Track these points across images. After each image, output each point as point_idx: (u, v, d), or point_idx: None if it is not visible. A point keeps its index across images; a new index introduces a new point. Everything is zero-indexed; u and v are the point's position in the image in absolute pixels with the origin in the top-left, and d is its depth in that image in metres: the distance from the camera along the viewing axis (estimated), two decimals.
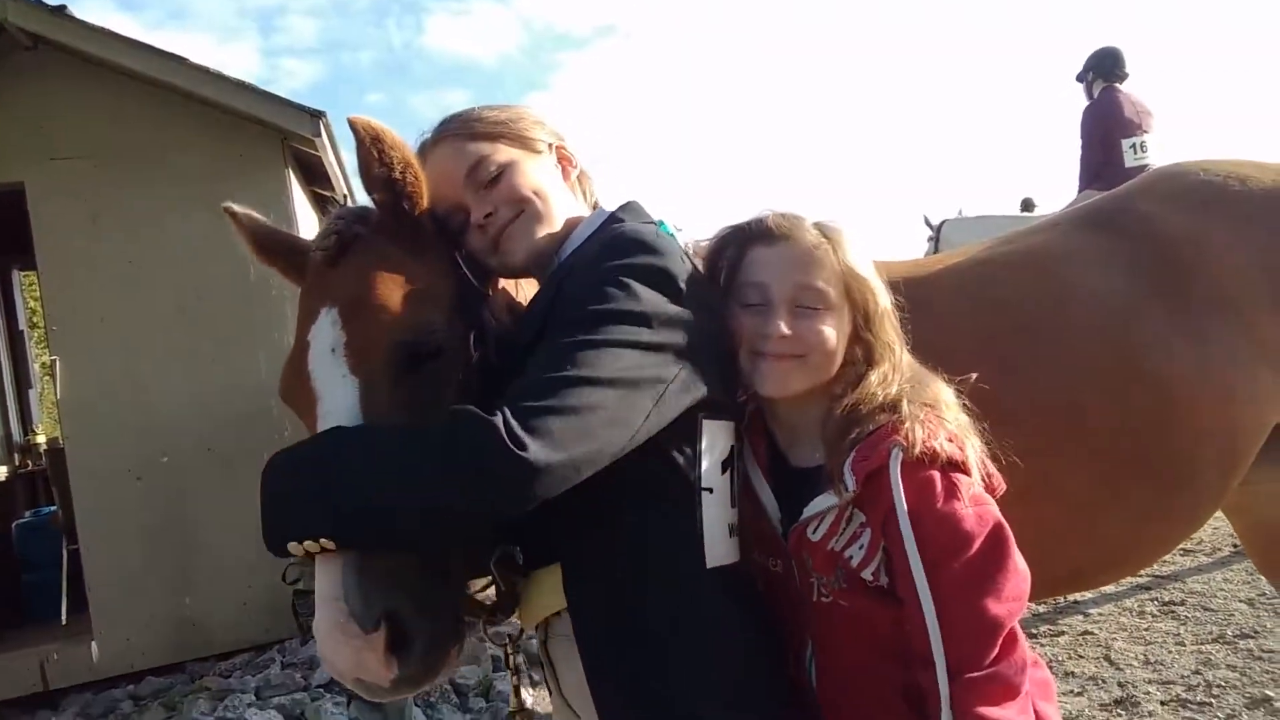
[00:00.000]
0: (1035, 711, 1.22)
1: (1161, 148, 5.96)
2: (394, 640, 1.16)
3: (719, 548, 1.27)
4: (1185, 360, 1.80)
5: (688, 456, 1.25)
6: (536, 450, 1.06)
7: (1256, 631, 3.94)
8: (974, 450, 1.25)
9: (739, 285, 1.35)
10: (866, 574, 1.23)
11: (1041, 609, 4.55)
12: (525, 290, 1.55)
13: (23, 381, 8.16)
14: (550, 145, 1.48)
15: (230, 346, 5.44)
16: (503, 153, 1.41)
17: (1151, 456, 1.81)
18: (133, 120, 5.44)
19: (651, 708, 1.21)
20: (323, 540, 1.12)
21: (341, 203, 6.36)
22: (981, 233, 4.77)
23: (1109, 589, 4.55)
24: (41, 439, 7.88)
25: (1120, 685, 3.63)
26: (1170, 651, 3.88)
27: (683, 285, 1.24)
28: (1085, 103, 6.34)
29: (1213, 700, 3.38)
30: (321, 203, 6.97)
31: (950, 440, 1.23)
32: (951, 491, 1.20)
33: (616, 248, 1.27)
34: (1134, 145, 5.90)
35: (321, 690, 4.40)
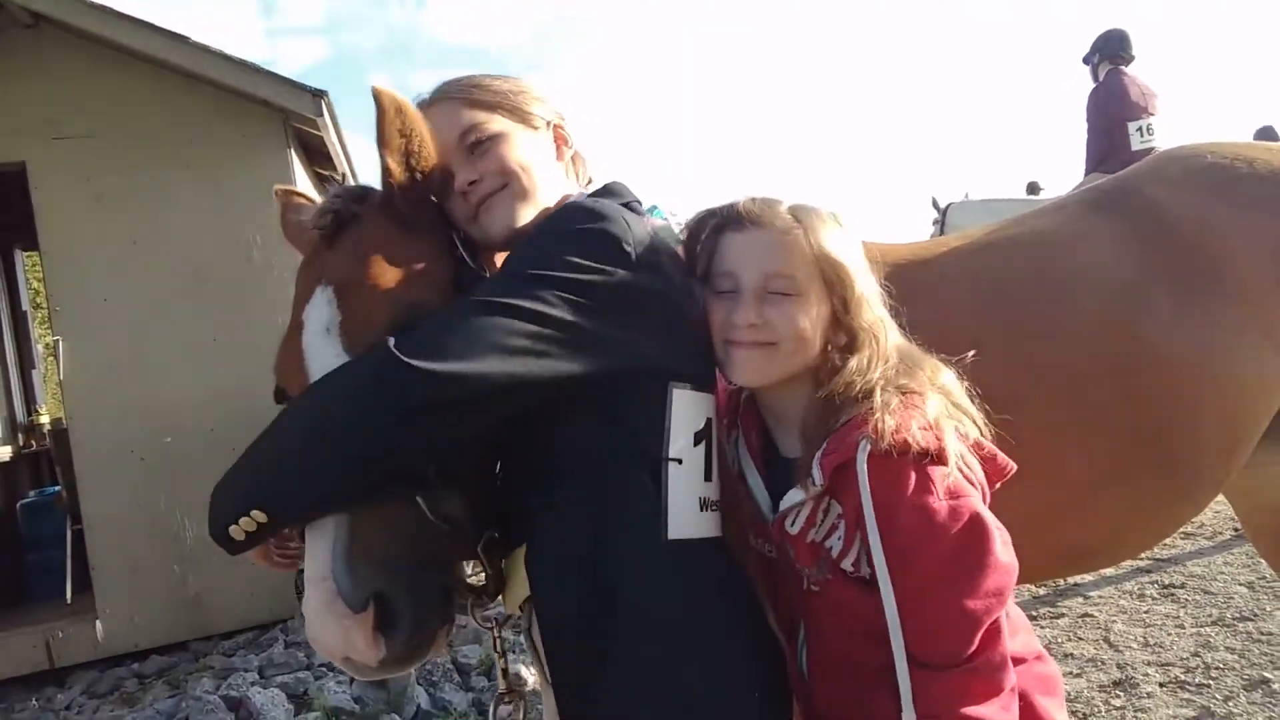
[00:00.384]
0: (1035, 707, 1.21)
1: (1167, 130, 5.93)
2: (381, 620, 1.17)
3: (685, 520, 1.24)
4: (1190, 343, 1.80)
5: (651, 425, 1.23)
6: (424, 358, 1.08)
7: (1255, 614, 3.95)
8: (953, 439, 1.21)
9: (713, 274, 1.33)
10: (846, 564, 1.22)
11: (1041, 591, 4.57)
12: None
13: (26, 362, 8.18)
14: (548, 123, 1.48)
15: (233, 327, 5.44)
16: (497, 123, 1.41)
17: (1154, 439, 1.81)
18: (135, 100, 5.42)
19: (595, 677, 1.20)
20: (254, 513, 1.15)
21: (341, 180, 6.34)
22: (987, 216, 4.76)
23: (1109, 571, 4.57)
24: (45, 419, 7.90)
25: (1119, 667, 3.64)
26: (1169, 634, 3.90)
27: (629, 250, 1.22)
28: (1091, 86, 6.31)
29: (1211, 682, 3.40)
30: (323, 182, 6.96)
31: (926, 429, 1.19)
32: (923, 484, 1.16)
33: (559, 215, 1.30)
34: (1140, 128, 5.87)
35: (324, 669, 4.43)
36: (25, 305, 8.45)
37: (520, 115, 1.44)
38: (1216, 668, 3.51)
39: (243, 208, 5.43)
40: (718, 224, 1.34)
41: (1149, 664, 3.64)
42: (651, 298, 1.23)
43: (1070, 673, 3.65)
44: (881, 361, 1.26)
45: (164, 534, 5.36)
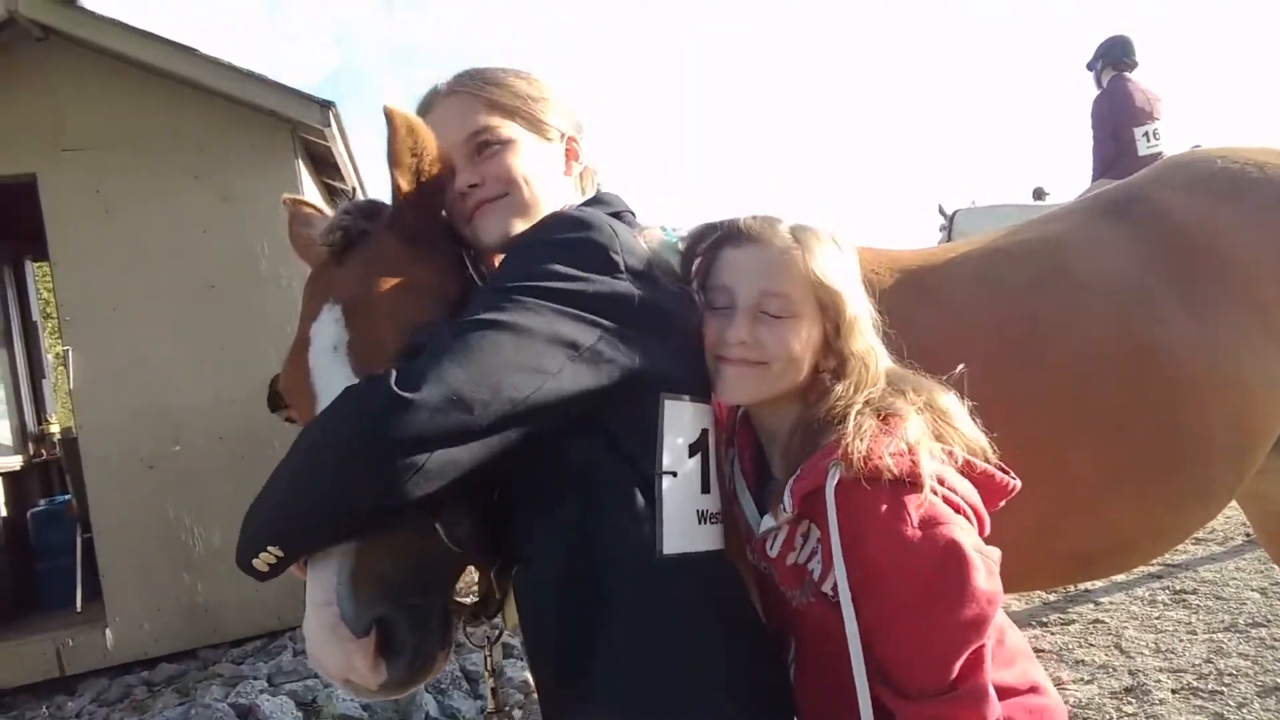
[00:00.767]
0: None
1: (1173, 135, 5.93)
2: (383, 645, 1.17)
3: (681, 534, 1.21)
4: (1200, 348, 1.79)
5: (643, 438, 1.20)
6: (423, 389, 1.03)
7: (1269, 620, 3.92)
8: (929, 463, 1.17)
9: (709, 288, 1.31)
10: (826, 588, 1.19)
11: (1052, 597, 4.55)
12: None
13: (36, 371, 8.21)
14: (562, 134, 1.44)
15: (241, 335, 5.46)
16: (510, 128, 1.38)
17: (1165, 444, 1.80)
18: (143, 111, 5.46)
19: (586, 692, 1.18)
20: (271, 549, 1.14)
21: (351, 194, 6.36)
22: (994, 222, 4.76)
23: (1120, 577, 4.54)
24: (55, 428, 7.93)
25: (1131, 673, 3.62)
26: (1181, 640, 3.88)
27: (617, 258, 1.20)
28: (1095, 92, 6.30)
29: (1224, 689, 3.38)
30: (331, 193, 6.99)
31: (900, 455, 1.15)
32: (896, 512, 1.13)
33: (543, 226, 1.27)
34: (1146, 133, 5.87)
35: None
36: (35, 315, 8.49)
37: (535, 124, 1.40)
38: (1230, 674, 3.48)
39: (251, 217, 5.46)
40: (718, 238, 1.33)
41: (1161, 671, 3.61)
42: (642, 306, 1.20)
43: (1081, 679, 3.63)
44: (868, 387, 1.24)
45: (173, 542, 5.38)
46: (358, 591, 1.15)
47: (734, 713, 1.19)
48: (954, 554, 1.12)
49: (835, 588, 1.16)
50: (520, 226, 1.34)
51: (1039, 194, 9.13)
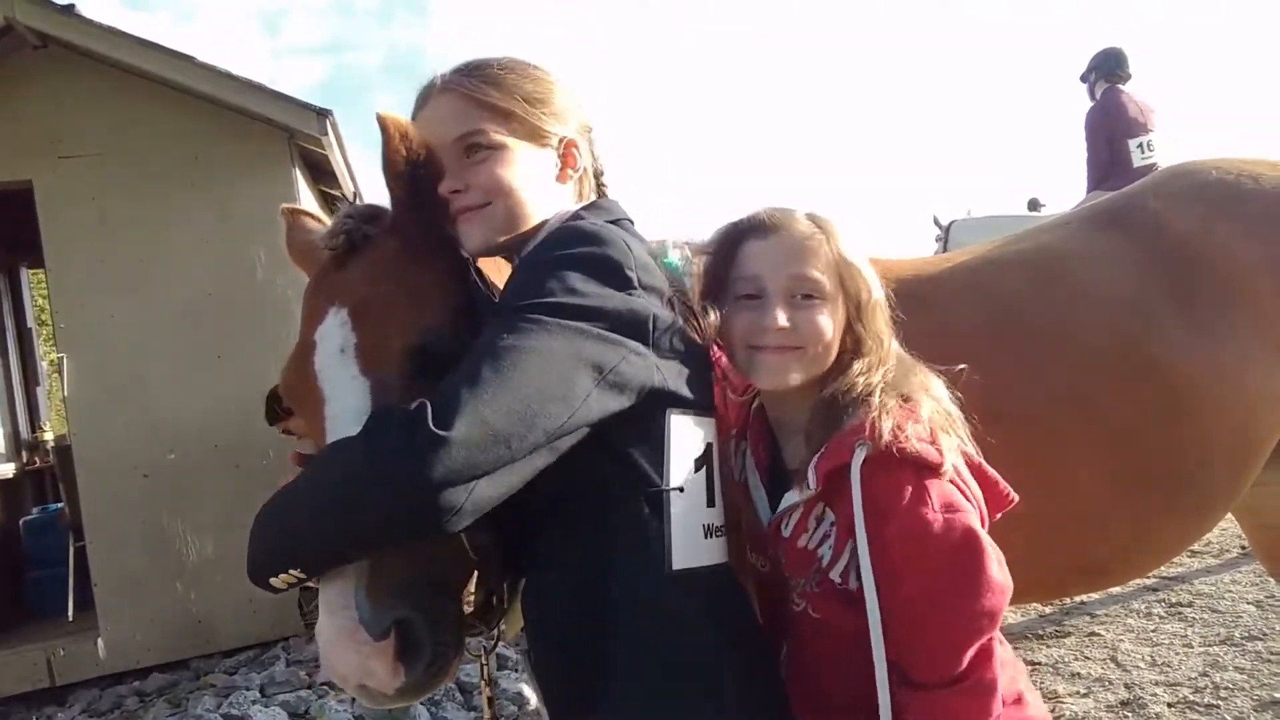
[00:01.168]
0: None
1: (1168, 146, 5.95)
2: (402, 648, 1.16)
3: (689, 549, 1.21)
4: (1197, 359, 1.79)
5: (650, 455, 1.20)
6: (460, 426, 1.00)
7: (1265, 634, 3.92)
8: (952, 451, 1.19)
9: (733, 279, 1.32)
10: (835, 574, 1.20)
11: (1047, 610, 4.54)
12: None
13: (30, 379, 8.19)
14: (561, 140, 1.38)
15: (238, 344, 5.46)
16: (502, 135, 1.32)
17: (1162, 455, 1.80)
18: (141, 119, 5.46)
19: (594, 708, 1.17)
20: (294, 572, 1.11)
21: (352, 198, 6.36)
22: (990, 233, 4.77)
23: (1116, 590, 4.53)
24: (49, 436, 7.91)
25: (1127, 687, 3.61)
26: (1178, 653, 3.87)
27: (629, 273, 1.18)
28: (1089, 104, 6.33)
29: (1220, 703, 3.37)
30: (328, 201, 6.99)
31: (924, 441, 1.17)
32: (919, 495, 1.14)
33: (557, 240, 1.23)
34: (1141, 144, 5.89)
35: (326, 688, 4.40)
36: (30, 322, 8.48)
37: (530, 129, 1.35)
38: (1226, 688, 3.47)
39: (248, 226, 5.46)
40: (738, 232, 1.34)
41: (1157, 684, 3.60)
42: (656, 322, 1.20)
43: (1078, 693, 3.62)
44: (882, 366, 1.26)
45: (166, 551, 5.36)
46: (376, 595, 1.14)
47: None
48: (971, 541, 1.13)
49: (844, 574, 1.18)
50: (500, 237, 1.32)
51: (1034, 205, 9.16)
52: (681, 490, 1.21)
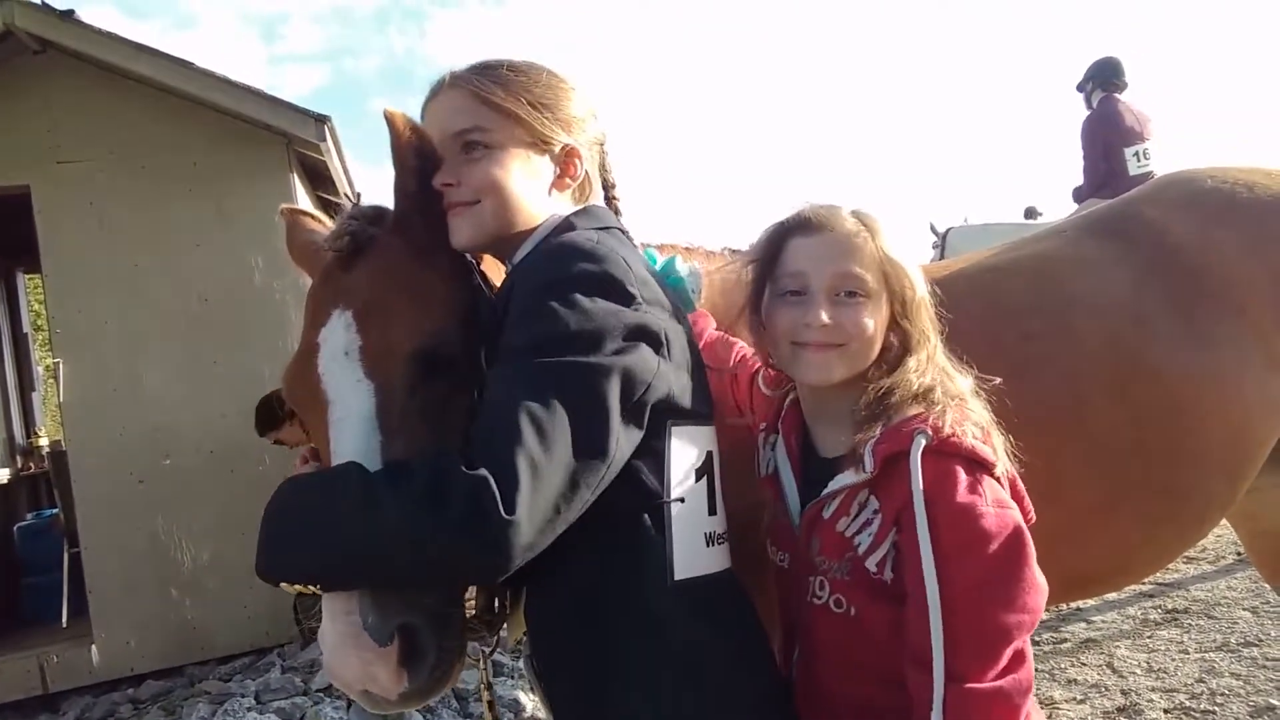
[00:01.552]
0: None
1: (1164, 155, 5.98)
2: (406, 653, 1.15)
3: (691, 559, 1.22)
4: (1193, 366, 1.80)
5: (652, 466, 1.20)
6: (523, 507, 1.02)
7: (1260, 640, 3.92)
8: (1002, 453, 1.22)
9: (777, 276, 1.34)
10: (871, 563, 1.20)
11: (1044, 616, 4.52)
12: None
13: (26, 384, 8.17)
14: (563, 147, 1.37)
15: (233, 350, 5.45)
16: (502, 134, 1.31)
17: (1158, 462, 1.81)
18: (138, 124, 5.46)
19: (594, 716, 1.18)
20: (312, 586, 1.11)
21: (355, 200, 6.37)
22: (987, 240, 4.79)
23: (1112, 596, 4.54)
24: (44, 441, 7.89)
25: (1123, 693, 3.61)
26: (1174, 659, 3.87)
27: (632, 290, 1.18)
28: (1086, 112, 6.36)
29: (1216, 709, 3.37)
30: (326, 207, 7.00)
31: (977, 439, 1.19)
32: (973, 487, 1.15)
33: (556, 258, 1.22)
34: (1137, 153, 5.92)
35: (321, 695, 4.39)
36: (26, 328, 8.46)
37: (532, 133, 1.34)
38: (1222, 694, 3.48)
39: (245, 231, 5.46)
40: (783, 230, 1.36)
41: (1153, 690, 3.61)
42: (657, 337, 1.19)
43: (1074, 699, 3.62)
44: (933, 365, 1.28)
45: (161, 557, 5.34)
46: (379, 601, 1.13)
47: None
48: (1020, 538, 1.14)
49: (881, 563, 1.19)
50: (487, 236, 1.32)
51: (1031, 213, 9.19)
52: (682, 501, 1.22)
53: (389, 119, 1.26)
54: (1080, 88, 6.42)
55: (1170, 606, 4.49)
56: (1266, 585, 3.61)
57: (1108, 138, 6.05)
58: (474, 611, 1.36)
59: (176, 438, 5.38)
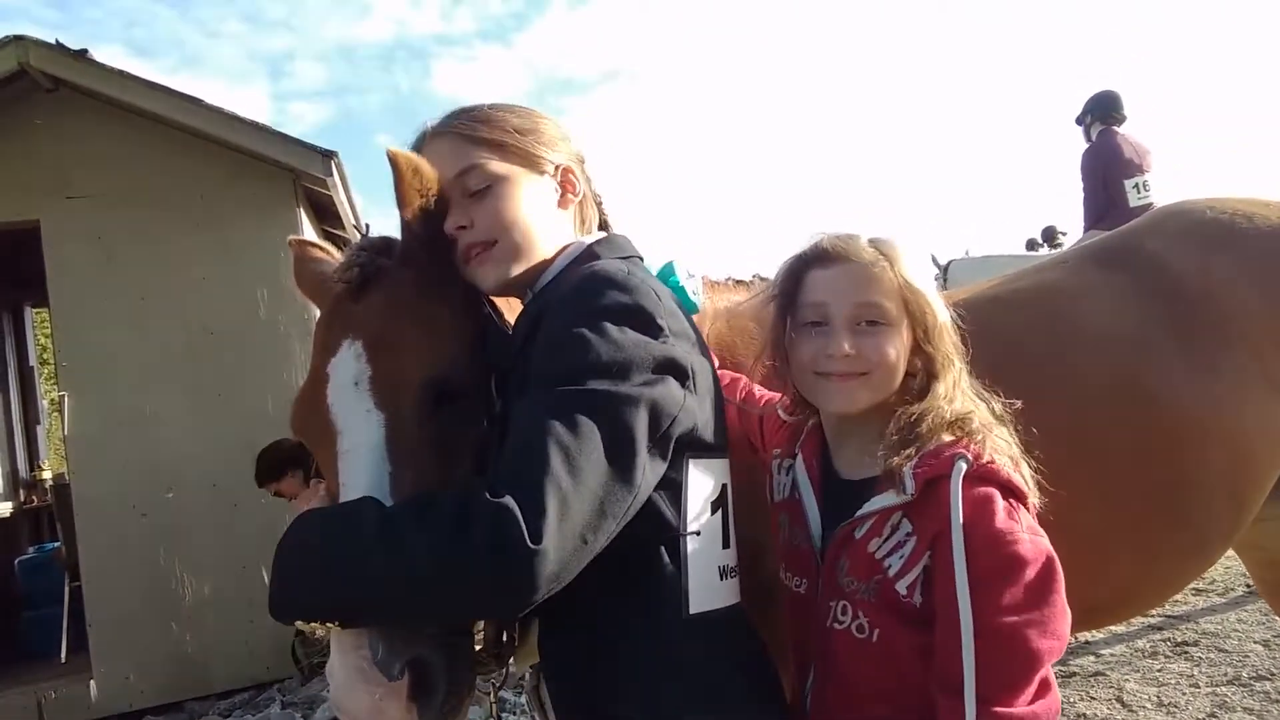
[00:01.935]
0: None
1: (1163, 187, 6.02)
2: (416, 688, 1.14)
3: (705, 593, 1.21)
4: (1196, 396, 1.80)
5: (669, 500, 1.20)
6: (550, 535, 1.00)
7: (1273, 673, 3.87)
8: (1032, 484, 1.23)
9: (798, 306, 1.35)
10: (901, 586, 1.19)
11: None
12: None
13: (31, 417, 8.19)
14: (556, 167, 1.39)
15: (238, 384, 5.47)
16: (500, 165, 1.33)
17: (1163, 492, 1.80)
18: (147, 160, 5.54)
19: None
20: (332, 625, 1.09)
21: (365, 232, 6.41)
22: (988, 273, 4.80)
23: (1120, 629, 4.49)
24: (48, 475, 7.88)
25: None
26: (1184, 693, 3.82)
27: (660, 321, 1.19)
28: (1084, 146, 6.41)
29: None
30: (332, 241, 7.05)
31: (1008, 468, 1.21)
32: (1010, 514, 1.16)
33: (589, 288, 1.20)
34: (1137, 185, 5.96)
35: None
36: (32, 361, 8.49)
37: (526, 158, 1.35)
38: None
39: (251, 265, 5.51)
40: (801, 263, 1.37)
41: None
42: (684, 371, 1.19)
43: None
44: (960, 391, 1.29)
45: (163, 591, 5.32)
46: (389, 635, 1.12)
47: None
48: (1052, 566, 1.15)
49: (911, 586, 1.18)
50: (515, 271, 1.32)
51: (1033, 245, 9.24)
52: (698, 534, 1.22)
53: (392, 158, 1.26)
54: (1079, 121, 6.49)
55: (1180, 639, 4.43)
56: (1277, 618, 3.57)
57: (1107, 170, 6.09)
58: (481, 644, 1.35)
59: (179, 471, 5.38)
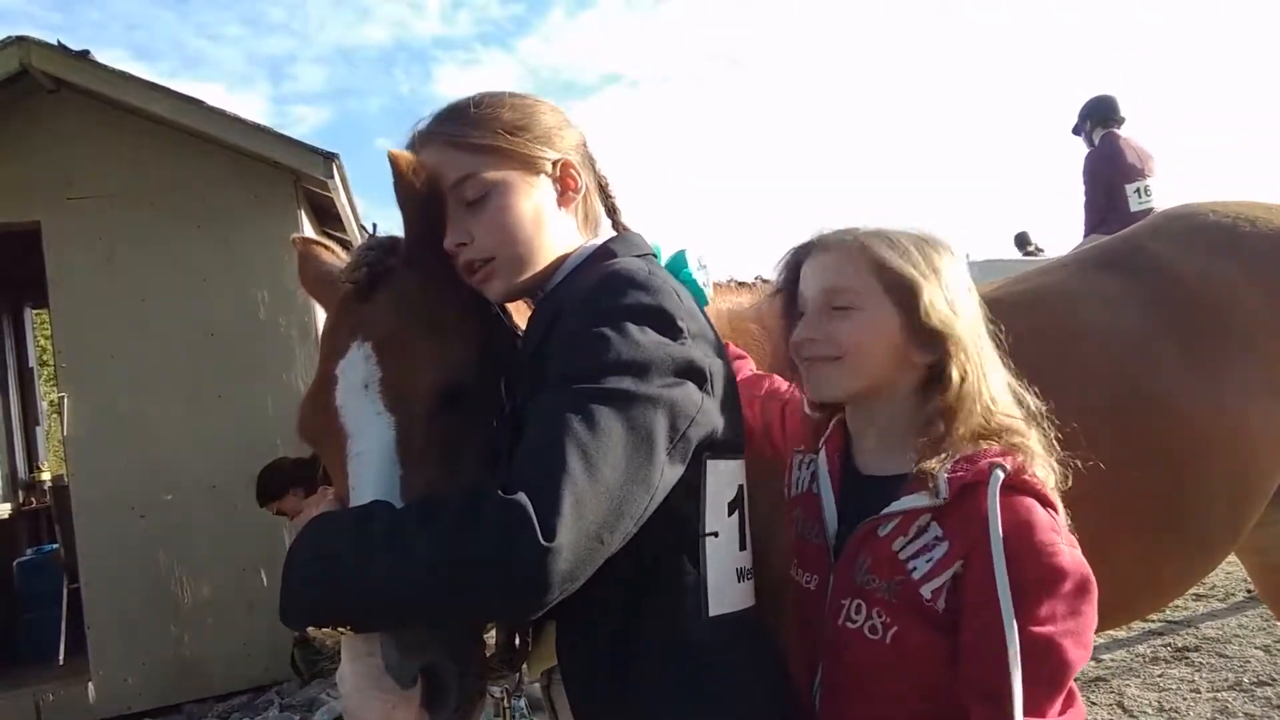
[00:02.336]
0: None
1: (1165, 191, 6.01)
2: (428, 695, 1.13)
3: (725, 594, 1.21)
4: (1198, 399, 1.80)
5: (688, 501, 1.19)
6: (565, 534, 0.98)
7: (1275, 679, 3.86)
8: (1059, 499, 1.21)
9: (796, 299, 1.36)
10: (926, 590, 1.16)
11: None
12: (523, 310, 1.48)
13: (30, 419, 8.18)
14: (555, 163, 1.33)
15: (238, 385, 5.47)
16: (494, 171, 1.27)
17: (1165, 495, 1.80)
18: (148, 161, 5.54)
19: None
20: (344, 630, 1.09)
21: (373, 231, 6.41)
22: (988, 276, 4.79)
23: (1120, 634, 4.48)
24: (47, 476, 7.88)
25: None
26: (1185, 699, 3.81)
27: (680, 323, 1.17)
28: (1085, 150, 6.40)
29: None
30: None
31: (1047, 476, 1.20)
32: (1051, 525, 1.15)
33: (610, 287, 1.18)
34: (1138, 189, 5.95)
35: None
36: (32, 362, 8.49)
37: (522, 159, 1.29)
38: None
39: (252, 267, 5.51)
40: (795, 255, 1.38)
41: None
42: (702, 373, 1.18)
43: None
44: (986, 384, 1.24)
45: (161, 593, 5.31)
46: (401, 641, 1.10)
47: None
48: (1089, 578, 1.13)
49: (937, 592, 1.15)
50: (520, 280, 1.29)
51: (1024, 240, 9.23)
52: (716, 535, 1.21)
53: (393, 160, 1.24)
54: (1077, 130, 6.46)
55: (1180, 644, 4.42)
56: (1278, 623, 3.56)
57: (1109, 174, 6.08)
58: (492, 650, 1.34)
59: (179, 473, 5.37)
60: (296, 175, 5.68)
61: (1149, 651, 4.40)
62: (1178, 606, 4.71)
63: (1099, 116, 6.28)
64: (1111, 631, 4.34)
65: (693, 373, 1.16)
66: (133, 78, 5.37)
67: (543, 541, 0.97)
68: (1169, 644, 4.45)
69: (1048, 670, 1.08)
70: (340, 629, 1.07)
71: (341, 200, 6.06)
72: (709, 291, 1.45)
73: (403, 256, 1.34)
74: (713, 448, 1.20)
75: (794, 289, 1.36)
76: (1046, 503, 1.17)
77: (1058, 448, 1.28)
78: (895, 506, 1.22)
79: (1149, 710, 3.75)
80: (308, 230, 5.95)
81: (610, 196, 1.45)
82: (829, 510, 1.33)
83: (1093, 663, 4.34)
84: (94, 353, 5.35)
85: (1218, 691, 3.83)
